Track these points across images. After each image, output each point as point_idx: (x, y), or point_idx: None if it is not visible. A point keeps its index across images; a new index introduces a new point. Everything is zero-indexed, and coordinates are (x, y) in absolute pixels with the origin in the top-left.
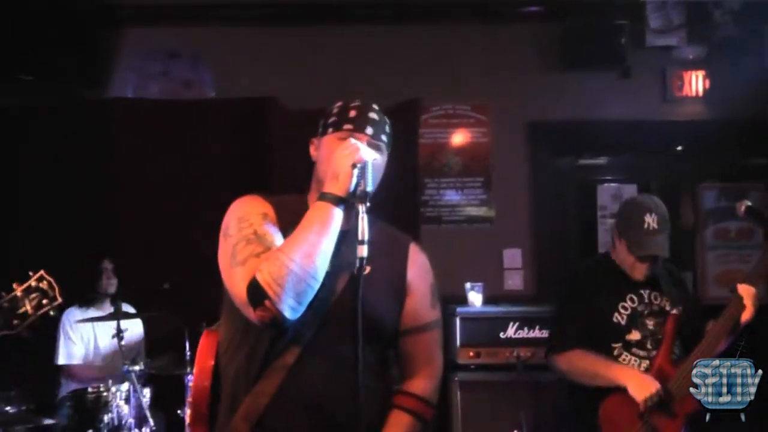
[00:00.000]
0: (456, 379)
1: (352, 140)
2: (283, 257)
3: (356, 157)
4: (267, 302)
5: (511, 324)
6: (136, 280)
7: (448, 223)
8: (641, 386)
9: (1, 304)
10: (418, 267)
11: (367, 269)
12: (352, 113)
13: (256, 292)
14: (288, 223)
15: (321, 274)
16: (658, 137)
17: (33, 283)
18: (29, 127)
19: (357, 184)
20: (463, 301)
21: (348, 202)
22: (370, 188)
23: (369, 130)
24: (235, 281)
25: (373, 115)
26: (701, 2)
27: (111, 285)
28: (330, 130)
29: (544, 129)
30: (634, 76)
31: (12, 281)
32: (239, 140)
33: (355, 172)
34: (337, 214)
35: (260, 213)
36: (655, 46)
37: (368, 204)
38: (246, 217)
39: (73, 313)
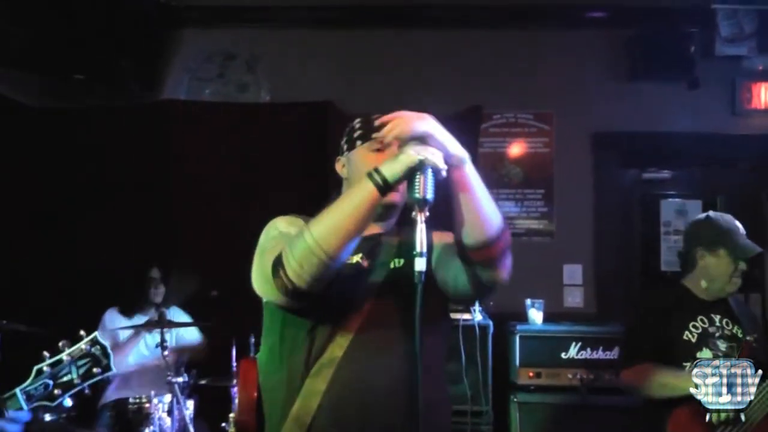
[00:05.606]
0: (515, 400)
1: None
2: (305, 230)
3: (429, 157)
4: (280, 270)
5: (574, 344)
6: (187, 288)
7: None
8: None
9: (42, 368)
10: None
11: (401, 262)
12: (378, 124)
13: (276, 262)
14: None
15: (338, 253)
16: (725, 151)
17: (84, 347)
18: (81, 129)
19: (416, 187)
20: (522, 317)
21: (392, 189)
22: (430, 196)
23: None
24: (264, 263)
25: None
26: None
27: (158, 294)
28: (358, 143)
29: (608, 140)
30: (702, 86)
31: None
32: (295, 145)
33: (418, 174)
34: (374, 197)
35: (291, 225)
36: (725, 56)
37: (428, 213)
38: (275, 227)
39: (115, 319)
